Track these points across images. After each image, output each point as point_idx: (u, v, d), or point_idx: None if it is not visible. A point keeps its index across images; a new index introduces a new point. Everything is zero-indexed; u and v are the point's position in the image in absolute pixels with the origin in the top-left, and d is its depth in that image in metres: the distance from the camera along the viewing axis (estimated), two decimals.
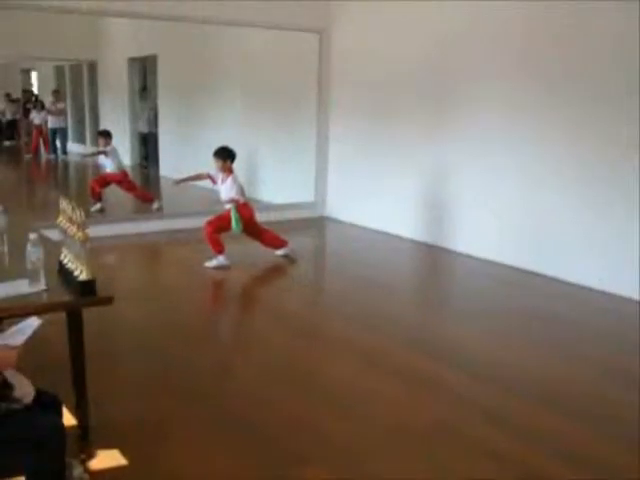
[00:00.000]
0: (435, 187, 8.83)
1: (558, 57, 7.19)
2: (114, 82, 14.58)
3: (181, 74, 13.28)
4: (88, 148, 14.69)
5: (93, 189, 10.72)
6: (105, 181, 10.84)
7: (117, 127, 12.46)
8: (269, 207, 10.32)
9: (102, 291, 3.42)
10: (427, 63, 8.75)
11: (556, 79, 7.24)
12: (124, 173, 10.82)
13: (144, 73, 14.53)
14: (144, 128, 14.14)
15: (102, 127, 12.52)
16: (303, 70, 10.62)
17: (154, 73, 13.90)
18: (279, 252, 8.13)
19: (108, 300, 3.42)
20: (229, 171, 7.77)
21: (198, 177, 8.21)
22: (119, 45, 14.10)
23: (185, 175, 8.38)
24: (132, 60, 14.12)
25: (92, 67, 14.81)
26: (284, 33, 10.14)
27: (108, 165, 10.73)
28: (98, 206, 10.49)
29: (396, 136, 9.33)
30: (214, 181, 7.93)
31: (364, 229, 9.79)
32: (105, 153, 10.67)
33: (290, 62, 10.80)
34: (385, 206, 9.57)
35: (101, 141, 10.81)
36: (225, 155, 7.77)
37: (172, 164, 13.04)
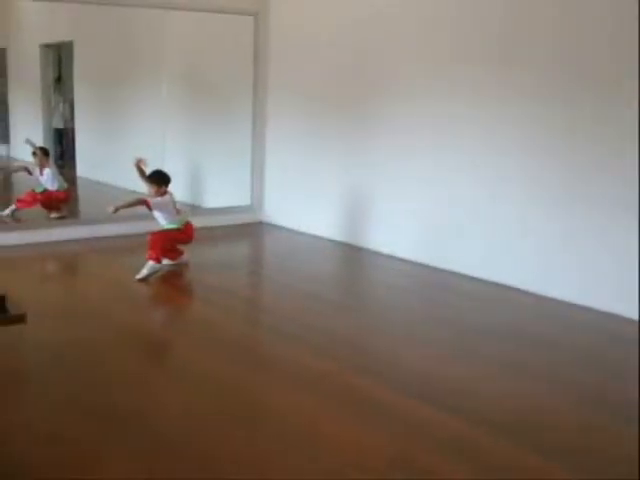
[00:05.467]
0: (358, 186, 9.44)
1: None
2: (25, 72, 14.59)
3: (100, 63, 13.42)
4: None
5: None
6: None
7: (29, 122, 12.48)
8: (201, 211, 10.71)
9: (13, 308, 3.39)
10: (364, 47, 9.22)
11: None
12: None
13: (59, 62, 14.57)
14: (59, 123, 14.17)
15: (12, 122, 12.52)
16: (237, 58, 10.94)
17: (70, 62, 13.94)
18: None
19: (20, 318, 3.39)
20: (164, 195, 8.14)
21: (137, 203, 8.13)
22: (31, 30, 14.13)
23: (121, 202, 8.18)
24: (45, 47, 14.14)
25: (1, 55, 14.77)
26: (215, 16, 10.46)
27: None
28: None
29: (336, 129, 9.81)
30: (150, 207, 8.08)
31: (301, 234, 10.29)
32: None
33: (222, 48, 11.14)
34: (317, 208, 10.14)
35: None
36: (160, 181, 8.13)
37: (91, 163, 13.12)
